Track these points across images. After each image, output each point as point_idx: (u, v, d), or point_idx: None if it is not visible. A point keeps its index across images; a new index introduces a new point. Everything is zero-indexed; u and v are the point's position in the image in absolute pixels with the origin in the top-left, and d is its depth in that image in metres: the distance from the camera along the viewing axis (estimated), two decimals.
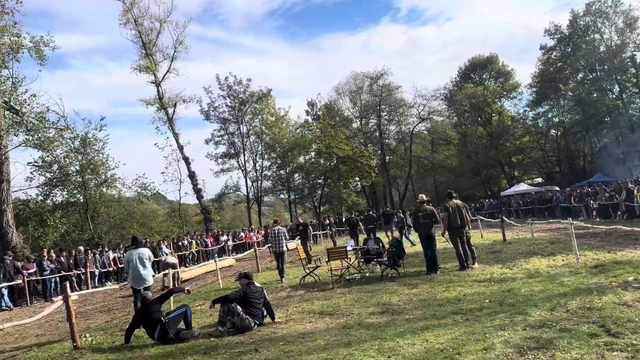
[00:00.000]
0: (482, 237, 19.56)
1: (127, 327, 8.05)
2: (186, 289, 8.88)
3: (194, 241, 28.08)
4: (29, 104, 20.56)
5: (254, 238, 33.81)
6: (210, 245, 29.23)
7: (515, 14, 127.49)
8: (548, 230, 19.92)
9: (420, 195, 12.36)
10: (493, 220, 24.62)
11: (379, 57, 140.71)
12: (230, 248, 31.25)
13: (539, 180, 53.65)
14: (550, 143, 53.33)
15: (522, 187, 42.83)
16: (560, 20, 68.71)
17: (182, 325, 7.90)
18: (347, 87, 56.49)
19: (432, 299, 8.52)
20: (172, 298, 10.10)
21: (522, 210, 35.21)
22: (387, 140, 56.60)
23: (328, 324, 7.62)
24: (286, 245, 14.05)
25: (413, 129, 55.64)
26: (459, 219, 11.42)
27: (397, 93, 54.58)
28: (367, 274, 12.17)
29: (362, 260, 12.71)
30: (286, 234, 14.27)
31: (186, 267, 23.40)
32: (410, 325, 6.90)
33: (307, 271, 12.49)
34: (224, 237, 31.88)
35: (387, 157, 55.82)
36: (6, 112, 21.03)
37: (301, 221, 19.68)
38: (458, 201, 11.76)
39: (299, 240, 18.69)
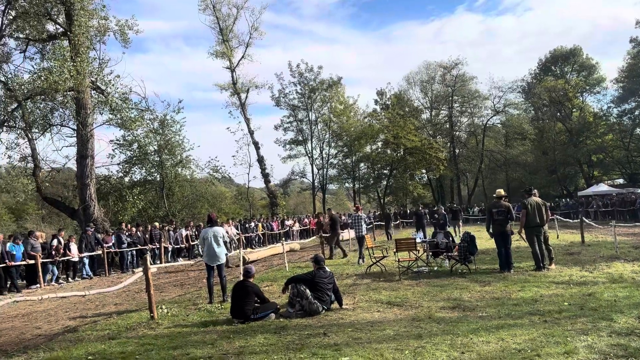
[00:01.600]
0: (557, 237, 18.66)
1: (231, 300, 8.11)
2: (277, 307, 8.18)
3: (260, 224, 28.76)
4: (113, 85, 21.71)
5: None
6: (275, 229, 29.80)
7: (600, 5, 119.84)
8: (631, 234, 18.72)
9: (498, 190, 11.90)
10: (570, 221, 23.38)
11: (452, 47, 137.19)
12: (294, 233, 31.77)
13: (621, 181, 50.33)
14: (636, 142, 49.71)
15: (602, 187, 40.40)
16: None
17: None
18: (418, 77, 55.40)
19: (507, 298, 8.23)
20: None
21: (601, 212, 33.30)
22: (457, 133, 55.05)
23: (396, 314, 7.54)
24: (365, 230, 15.70)
25: (487, 121, 53.72)
26: (537, 217, 10.93)
27: (471, 84, 52.88)
28: (436, 268, 11.95)
29: (431, 253, 12.47)
30: (365, 219, 15.93)
31: (252, 248, 24.03)
32: (483, 322, 6.70)
33: (374, 260, 12.43)
34: (289, 222, 32.44)
35: (457, 150, 54.31)
36: (92, 92, 22.32)
37: (333, 213, 19.60)
38: (537, 198, 11.24)
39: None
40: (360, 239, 15.22)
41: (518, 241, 13.66)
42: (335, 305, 8.21)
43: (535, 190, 11.79)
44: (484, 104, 53.95)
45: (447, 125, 54.53)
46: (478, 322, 6.76)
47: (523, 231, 11.26)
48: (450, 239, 12.17)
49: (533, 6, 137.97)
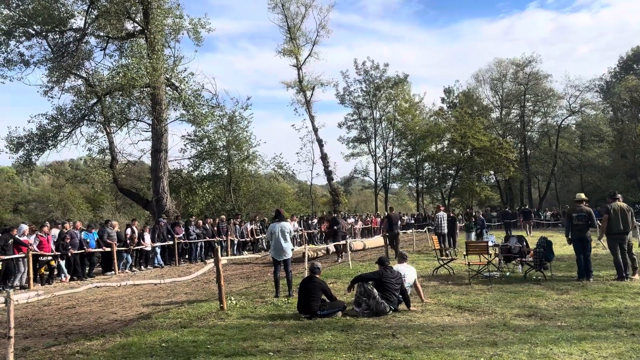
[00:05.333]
0: (639, 246, 17.42)
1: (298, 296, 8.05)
2: (345, 306, 8.03)
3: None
4: (187, 82, 22.42)
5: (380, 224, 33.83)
6: None
7: None
8: None
9: (578, 194, 11.21)
10: None
11: (522, 45, 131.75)
12: (356, 231, 31.57)
13: None
14: None
15: None
16: None
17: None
18: (488, 74, 53.39)
19: (587, 308, 7.73)
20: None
21: None
22: (529, 133, 52.73)
23: (468, 320, 7.26)
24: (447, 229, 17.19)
25: (561, 122, 51.09)
26: (621, 224, 10.21)
27: (545, 82, 50.37)
28: (508, 274, 11.45)
29: (502, 258, 11.95)
30: (446, 218, 17.21)
31: (314, 245, 24.13)
32: (563, 332, 6.32)
33: (441, 262, 12.10)
34: (351, 220, 32.27)
35: (529, 151, 51.97)
36: (167, 88, 23.18)
37: (391, 213, 18.64)
38: (622, 203, 10.50)
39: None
40: (441, 236, 16.29)
41: (595, 248, 12.85)
42: (402, 306, 8.02)
43: (620, 195, 11.05)
44: (558, 103, 51.36)
45: (519, 125, 52.37)
46: (557, 331, 6.39)
47: (604, 238, 10.60)
48: (524, 243, 11.61)
49: (610, 2, 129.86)
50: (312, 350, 5.87)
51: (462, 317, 7.40)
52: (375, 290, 7.74)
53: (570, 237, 10.64)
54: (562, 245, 15.94)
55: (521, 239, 11.89)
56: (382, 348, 5.86)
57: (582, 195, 11.05)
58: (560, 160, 50.28)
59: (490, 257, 11.34)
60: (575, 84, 50.04)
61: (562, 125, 51.29)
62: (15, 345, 6.71)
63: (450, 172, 50.00)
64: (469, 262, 10.82)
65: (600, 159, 51.49)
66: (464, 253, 11.47)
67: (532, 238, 17.46)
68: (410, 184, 55.18)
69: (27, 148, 22.35)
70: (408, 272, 8.50)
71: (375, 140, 48.51)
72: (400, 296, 7.97)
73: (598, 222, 10.98)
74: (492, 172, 49.77)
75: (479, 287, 9.99)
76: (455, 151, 48.14)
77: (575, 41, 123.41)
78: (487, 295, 9.08)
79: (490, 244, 11.56)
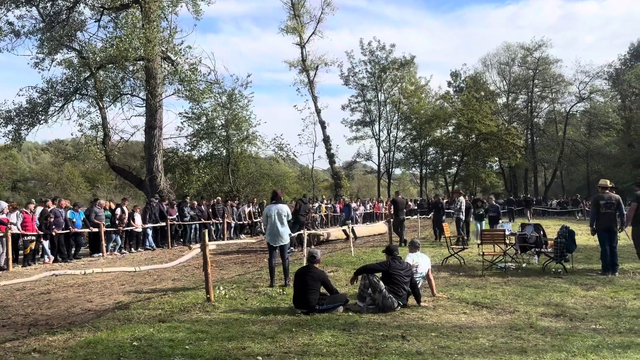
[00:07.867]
0: None
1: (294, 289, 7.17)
2: (347, 300, 7.10)
3: (323, 205, 27.95)
4: (183, 55, 21.28)
5: (383, 209, 33.00)
6: (339, 211, 28.91)
7: None
8: None
9: (602, 180, 10.20)
10: None
11: (528, 33, 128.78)
12: (358, 216, 30.72)
13: None
14: None
15: None
16: None
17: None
18: (496, 59, 52.04)
19: (621, 308, 6.84)
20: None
21: None
22: (536, 119, 51.52)
23: (488, 319, 6.36)
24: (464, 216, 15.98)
25: (570, 109, 49.82)
26: None
27: (554, 67, 49.03)
28: (524, 265, 10.54)
29: (517, 248, 11.02)
30: (465, 205, 16.10)
31: (314, 229, 23.25)
32: (601, 338, 5.42)
33: (452, 252, 11.20)
34: (354, 205, 31.40)
35: (536, 138, 50.80)
36: (163, 62, 22.04)
37: (398, 197, 17.36)
38: None
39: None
40: (458, 222, 15.69)
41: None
42: (411, 300, 7.13)
43: None
44: (567, 89, 50.07)
45: (525, 111, 51.16)
46: (595, 336, 5.49)
47: (629, 228, 9.69)
48: (542, 232, 10.68)
49: None
50: (309, 354, 4.99)
51: (481, 316, 6.50)
52: (382, 283, 6.85)
53: (595, 226, 9.69)
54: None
55: (538, 227, 10.96)
56: (390, 354, 4.97)
57: (607, 182, 10.06)
58: (567, 147, 49.18)
59: (506, 247, 10.41)
60: (585, 70, 48.71)
61: (570, 113, 50.10)
62: None
63: (455, 157, 49.02)
64: (482, 252, 9.91)
65: (607, 147, 50.40)
66: (477, 242, 10.57)
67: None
68: (413, 169, 54.28)
69: (16, 122, 21.32)
70: (421, 262, 7.61)
71: (379, 124, 47.48)
72: (410, 290, 7.08)
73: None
74: (497, 159, 48.80)
75: (494, 279, 9.09)
76: (460, 136, 47.10)
77: (580, 29, 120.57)
78: (504, 289, 8.18)
79: (507, 232, 10.64)
